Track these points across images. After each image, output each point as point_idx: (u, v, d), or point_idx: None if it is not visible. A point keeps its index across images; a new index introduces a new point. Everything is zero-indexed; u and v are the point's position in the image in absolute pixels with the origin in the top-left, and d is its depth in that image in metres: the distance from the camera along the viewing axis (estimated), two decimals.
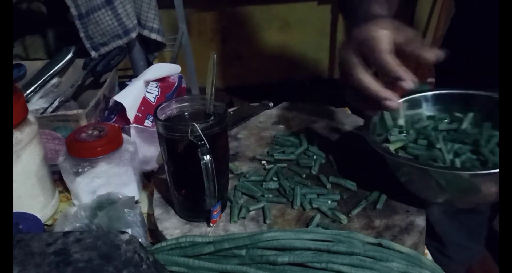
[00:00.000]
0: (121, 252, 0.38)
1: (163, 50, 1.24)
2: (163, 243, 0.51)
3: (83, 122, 0.68)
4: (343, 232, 0.49)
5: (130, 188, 0.66)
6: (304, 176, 0.64)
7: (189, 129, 0.50)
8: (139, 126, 0.71)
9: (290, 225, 0.56)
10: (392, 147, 0.58)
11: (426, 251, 0.58)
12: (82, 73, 0.84)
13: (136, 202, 0.66)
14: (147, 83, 0.76)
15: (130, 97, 0.72)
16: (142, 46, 1.13)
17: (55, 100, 0.78)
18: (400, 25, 0.53)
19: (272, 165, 0.66)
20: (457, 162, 0.54)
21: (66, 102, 0.80)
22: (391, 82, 0.53)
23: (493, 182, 0.49)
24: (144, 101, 0.74)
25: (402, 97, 0.61)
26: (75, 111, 0.69)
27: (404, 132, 0.61)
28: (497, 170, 0.47)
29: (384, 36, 0.52)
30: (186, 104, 0.57)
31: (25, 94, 0.81)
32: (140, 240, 0.45)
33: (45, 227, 0.61)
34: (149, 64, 1.17)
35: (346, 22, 0.64)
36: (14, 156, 0.57)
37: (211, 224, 0.56)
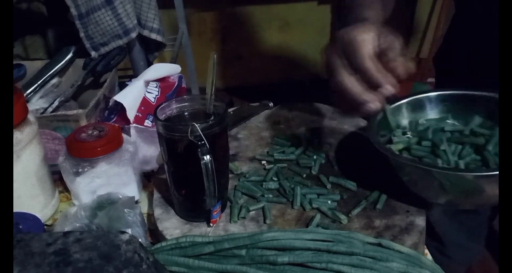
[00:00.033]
0: (121, 252, 0.38)
1: (163, 50, 1.24)
2: (163, 243, 0.51)
3: (83, 122, 0.68)
4: (343, 232, 0.49)
5: (130, 188, 0.66)
6: (304, 176, 0.64)
7: (189, 129, 0.50)
8: (139, 126, 0.71)
9: (290, 225, 0.56)
10: (394, 148, 0.58)
11: (426, 251, 0.58)
12: (82, 73, 0.84)
13: (136, 202, 0.66)
14: (147, 83, 0.76)
15: (130, 97, 0.72)
16: (142, 46, 1.13)
17: (55, 100, 0.78)
18: (385, 31, 0.53)
19: (272, 165, 0.66)
20: (461, 164, 0.54)
21: (66, 102, 0.80)
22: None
23: (497, 183, 0.48)
24: (144, 101, 0.74)
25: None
26: (75, 111, 0.69)
27: (408, 133, 0.61)
28: None
29: (367, 40, 0.51)
30: (186, 104, 0.57)
31: (25, 94, 0.81)
32: (140, 240, 0.45)
33: (45, 227, 0.61)
34: (149, 64, 1.17)
35: (337, 24, 0.64)
36: (14, 156, 0.57)
37: (211, 224, 0.56)
